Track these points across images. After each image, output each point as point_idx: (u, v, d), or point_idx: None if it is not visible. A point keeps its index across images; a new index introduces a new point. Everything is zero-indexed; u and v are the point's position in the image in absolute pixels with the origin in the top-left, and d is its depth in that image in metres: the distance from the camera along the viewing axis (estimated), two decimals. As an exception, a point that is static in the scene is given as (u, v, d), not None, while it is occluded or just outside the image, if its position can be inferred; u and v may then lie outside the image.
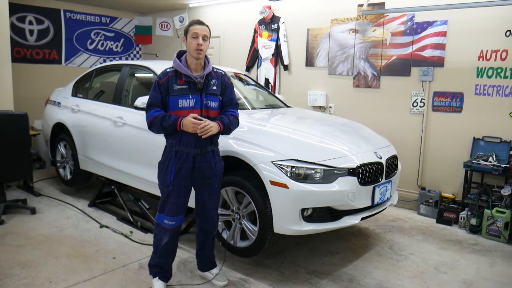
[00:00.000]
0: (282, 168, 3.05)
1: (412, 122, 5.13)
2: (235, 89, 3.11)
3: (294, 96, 5.95)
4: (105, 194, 4.93)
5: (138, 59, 8.70)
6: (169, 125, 2.70)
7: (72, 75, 6.03)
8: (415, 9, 4.87)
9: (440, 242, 4.12)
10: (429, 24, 4.89)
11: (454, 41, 4.74)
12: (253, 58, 6.63)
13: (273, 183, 3.04)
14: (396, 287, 3.20)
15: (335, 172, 3.15)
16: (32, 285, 3.04)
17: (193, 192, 2.94)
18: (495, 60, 4.48)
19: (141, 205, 4.27)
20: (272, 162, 3.08)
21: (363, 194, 3.27)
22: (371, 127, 4.35)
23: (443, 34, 4.79)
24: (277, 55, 6.30)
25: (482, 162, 4.44)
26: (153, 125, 2.77)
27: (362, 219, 3.34)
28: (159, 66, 4.10)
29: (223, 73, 2.97)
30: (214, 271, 3.18)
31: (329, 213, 3.21)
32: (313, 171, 3.09)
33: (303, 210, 3.07)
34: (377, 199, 3.41)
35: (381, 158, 3.48)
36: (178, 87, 2.75)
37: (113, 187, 4.62)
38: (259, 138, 3.32)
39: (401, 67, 5.15)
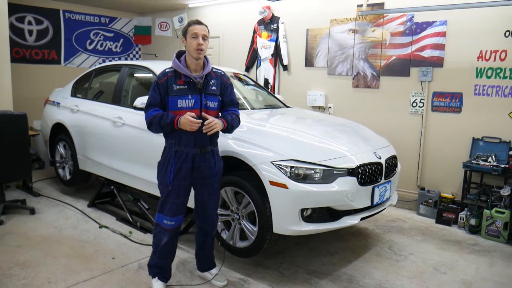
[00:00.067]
0: (281, 168, 3.05)
1: (411, 122, 5.13)
2: (234, 89, 3.11)
3: (294, 96, 5.96)
4: (105, 194, 4.92)
5: (137, 59, 8.70)
6: (167, 123, 2.70)
7: (71, 75, 6.03)
8: (414, 9, 4.87)
9: (440, 242, 4.12)
10: (429, 24, 4.89)
11: (453, 41, 4.74)
12: (253, 58, 6.63)
13: (272, 183, 3.04)
14: (395, 287, 3.20)
15: (335, 172, 3.15)
16: (31, 285, 3.04)
17: (192, 192, 2.94)
18: (495, 60, 4.48)
19: (140, 205, 4.27)
20: (271, 162, 3.08)
21: (362, 194, 3.27)
22: (371, 127, 4.35)
23: (443, 34, 4.80)
24: (277, 55, 6.30)
25: (481, 162, 4.44)
26: (152, 125, 2.78)
27: (362, 219, 3.34)
28: (159, 66, 4.09)
29: (223, 73, 2.97)
30: (214, 271, 3.18)
31: (328, 213, 3.21)
32: (313, 171, 3.09)
33: (302, 210, 3.07)
34: (376, 199, 3.41)
35: (380, 158, 3.48)
36: (178, 87, 2.75)
37: (112, 187, 4.62)
38: (258, 138, 3.32)
39: (400, 67, 5.15)
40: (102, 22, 8.14)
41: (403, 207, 5.20)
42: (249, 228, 3.29)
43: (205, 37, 2.76)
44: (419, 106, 5.04)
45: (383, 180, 3.49)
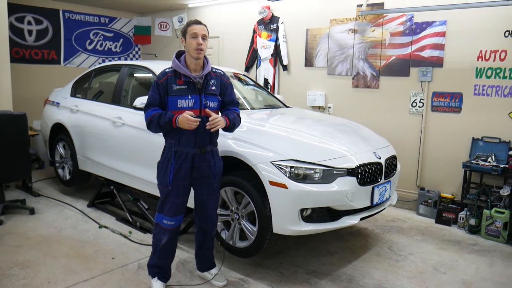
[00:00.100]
0: (281, 168, 3.05)
1: (411, 122, 5.13)
2: (234, 89, 3.11)
3: (293, 96, 5.96)
4: (104, 194, 4.92)
5: (137, 59, 8.69)
6: (165, 122, 2.70)
7: (71, 75, 6.03)
8: (414, 9, 4.87)
9: (439, 242, 4.12)
10: (428, 24, 4.89)
11: (453, 41, 4.74)
12: (252, 58, 6.63)
13: (272, 183, 3.04)
14: (395, 287, 3.20)
15: (334, 172, 3.15)
16: (31, 285, 3.03)
17: (192, 192, 2.94)
18: (494, 60, 4.48)
19: (140, 205, 4.27)
20: (271, 162, 3.08)
21: (362, 194, 3.27)
22: (370, 127, 4.35)
23: (442, 34, 4.80)
24: (276, 55, 6.30)
25: (481, 162, 4.45)
26: (151, 124, 2.78)
27: (361, 219, 3.34)
28: (158, 66, 4.09)
29: (222, 73, 2.97)
30: (213, 271, 3.18)
31: (328, 213, 3.21)
32: (312, 171, 3.09)
33: (302, 210, 3.07)
34: (376, 199, 3.41)
35: (380, 158, 3.48)
36: (177, 87, 2.75)
37: (112, 187, 4.62)
38: (258, 138, 3.32)
39: (400, 67, 5.15)
40: (102, 22, 8.13)
41: (402, 207, 5.20)
42: (249, 228, 3.29)
43: (204, 37, 2.76)
44: (419, 106, 5.04)
45: (382, 180, 3.49)
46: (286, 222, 3.06)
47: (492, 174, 4.32)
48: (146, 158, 3.84)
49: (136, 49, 8.75)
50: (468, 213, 4.47)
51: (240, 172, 3.33)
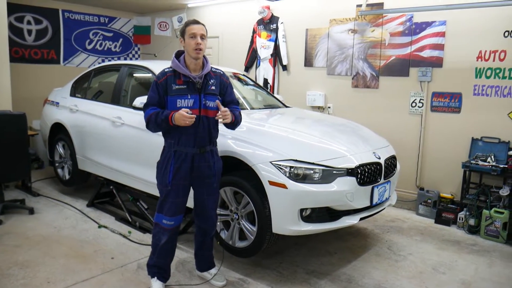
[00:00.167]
0: (280, 168, 3.05)
1: (410, 123, 5.13)
2: (234, 89, 3.11)
3: (293, 96, 5.95)
4: (104, 194, 4.92)
5: (136, 59, 8.69)
6: (162, 120, 2.69)
7: (71, 75, 6.03)
8: (413, 9, 4.88)
9: (439, 242, 4.12)
10: (428, 24, 4.89)
11: (452, 41, 4.74)
12: (252, 58, 6.63)
13: (271, 183, 3.04)
14: (394, 287, 3.20)
15: (334, 172, 3.15)
16: (30, 285, 3.03)
17: (192, 192, 2.94)
18: (494, 60, 4.49)
19: (139, 205, 4.26)
20: (270, 162, 3.08)
21: (361, 194, 3.27)
22: (370, 127, 4.35)
23: (442, 34, 4.80)
24: (276, 55, 6.30)
25: (480, 162, 4.45)
26: (149, 123, 2.79)
27: (361, 219, 3.34)
28: (158, 66, 4.09)
29: (222, 72, 2.97)
30: (213, 271, 3.18)
31: (327, 213, 3.21)
32: (312, 171, 3.09)
33: (301, 210, 3.07)
34: (375, 199, 3.41)
35: (379, 158, 3.48)
36: (177, 87, 2.75)
37: (111, 187, 4.61)
38: (257, 138, 3.32)
39: (399, 68, 5.15)
40: (101, 22, 8.13)
41: (402, 207, 5.20)
42: (248, 228, 3.29)
43: (203, 37, 2.76)
44: (419, 106, 5.04)
45: (382, 180, 3.49)
46: (286, 222, 3.06)
47: (491, 174, 4.32)
48: (146, 158, 3.83)
49: (136, 49, 8.74)
50: (467, 213, 4.47)
51: (239, 172, 3.32)
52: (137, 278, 3.18)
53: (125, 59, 8.52)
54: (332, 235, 4.07)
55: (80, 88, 5.24)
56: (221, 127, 2.96)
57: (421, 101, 5.01)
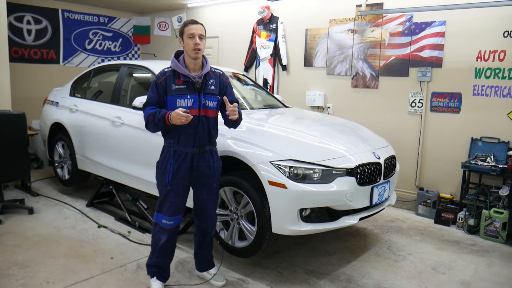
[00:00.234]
0: (280, 168, 3.05)
1: (410, 123, 5.13)
2: (233, 89, 3.11)
3: (293, 96, 5.95)
4: (103, 194, 4.92)
5: (136, 59, 8.69)
6: (159, 119, 2.70)
7: (70, 75, 6.03)
8: (413, 9, 4.88)
9: (438, 242, 4.12)
10: (428, 24, 4.90)
11: (452, 41, 4.75)
12: (252, 58, 6.63)
13: (271, 183, 3.04)
14: (394, 287, 3.20)
15: (334, 172, 3.15)
16: (30, 285, 3.03)
17: (191, 192, 2.94)
18: (493, 60, 4.49)
19: (139, 205, 4.26)
20: (270, 162, 3.08)
21: (361, 194, 3.27)
22: (370, 127, 4.36)
23: (441, 34, 4.80)
24: (276, 55, 6.30)
25: (480, 162, 4.45)
26: (148, 123, 2.79)
27: (360, 219, 3.34)
28: (157, 66, 4.09)
29: (221, 72, 2.97)
30: (212, 271, 3.18)
31: (327, 213, 3.21)
32: (312, 171, 3.09)
33: (301, 210, 3.07)
34: (375, 200, 3.41)
35: (379, 158, 3.48)
36: (176, 87, 2.75)
37: (111, 187, 4.61)
38: (257, 138, 3.32)
39: (399, 68, 5.15)
40: (101, 22, 8.13)
41: (401, 207, 5.20)
42: (248, 228, 3.29)
43: (201, 37, 2.76)
44: (418, 106, 5.04)
45: (382, 180, 3.49)
46: (285, 222, 3.06)
47: (491, 174, 4.33)
48: (145, 158, 3.83)
49: (136, 48, 8.74)
50: (467, 213, 4.47)
51: (239, 172, 3.32)
52: (137, 278, 3.18)
53: (125, 59, 8.52)
54: (332, 235, 4.07)
55: (80, 88, 5.24)
56: (220, 127, 2.96)
57: (421, 101, 5.01)
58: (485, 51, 4.53)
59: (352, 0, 5.46)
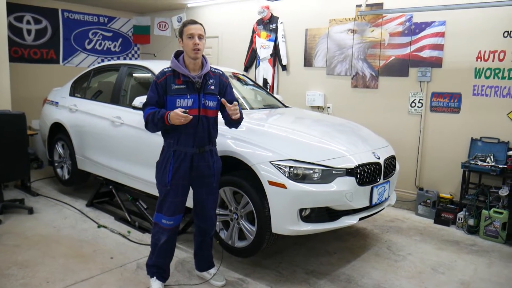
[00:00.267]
0: (280, 168, 3.05)
1: (410, 123, 5.13)
2: (233, 89, 3.11)
3: (292, 96, 5.95)
4: (103, 194, 4.92)
5: (136, 59, 8.69)
6: (158, 119, 2.70)
7: (70, 74, 6.03)
8: (413, 9, 4.88)
9: (438, 242, 4.13)
10: (427, 24, 4.90)
11: (452, 41, 4.75)
12: (252, 58, 6.63)
13: (271, 183, 3.04)
14: (394, 287, 3.20)
15: (333, 172, 3.15)
16: (30, 285, 3.03)
17: (191, 192, 2.94)
18: (493, 60, 4.49)
19: (139, 205, 4.26)
20: (270, 162, 3.08)
21: (361, 194, 3.27)
22: (369, 128, 4.35)
23: (441, 34, 4.80)
24: (276, 55, 6.30)
25: (480, 162, 4.45)
26: (148, 123, 2.79)
27: (360, 219, 3.34)
28: (157, 66, 4.09)
29: (221, 72, 2.97)
30: (212, 271, 3.18)
31: (327, 213, 3.21)
32: (311, 171, 3.09)
33: (301, 210, 3.07)
34: (375, 200, 3.41)
35: (379, 158, 3.48)
36: (176, 87, 2.75)
37: (111, 187, 4.61)
38: (257, 138, 3.32)
39: (399, 68, 5.15)
40: (101, 22, 8.13)
41: (401, 207, 5.20)
42: (248, 228, 3.29)
43: (201, 37, 2.76)
44: (418, 106, 5.04)
45: (381, 180, 3.49)
46: (285, 222, 3.06)
47: (490, 174, 4.33)
48: (145, 158, 3.83)
49: (135, 48, 8.74)
50: (466, 213, 4.48)
51: (239, 172, 3.32)
52: (136, 278, 3.18)
53: (125, 59, 8.52)
54: (332, 235, 4.07)
55: (80, 88, 5.24)
56: (220, 127, 2.96)
57: (421, 101, 5.01)
58: (485, 51, 4.53)
59: (352, 0, 5.46)
